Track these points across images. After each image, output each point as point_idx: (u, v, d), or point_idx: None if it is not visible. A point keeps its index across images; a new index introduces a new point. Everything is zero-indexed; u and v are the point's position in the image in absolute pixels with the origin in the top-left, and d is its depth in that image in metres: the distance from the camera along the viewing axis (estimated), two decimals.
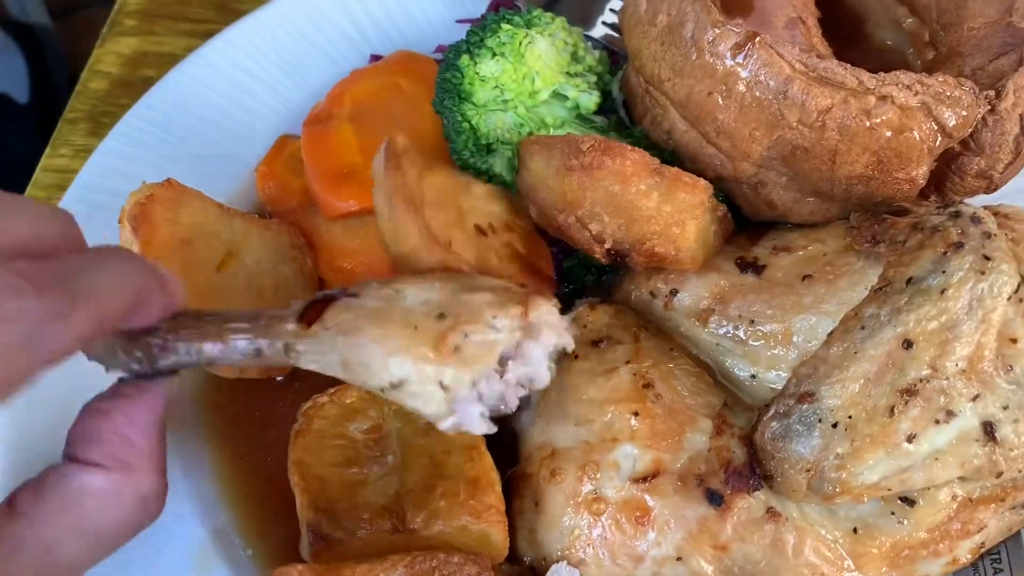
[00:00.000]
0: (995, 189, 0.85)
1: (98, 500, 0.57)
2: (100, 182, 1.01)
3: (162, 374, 0.65)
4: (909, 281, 0.74)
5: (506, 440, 0.86)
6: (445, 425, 0.67)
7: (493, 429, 0.68)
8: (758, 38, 0.78)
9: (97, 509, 0.57)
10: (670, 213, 0.82)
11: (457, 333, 0.66)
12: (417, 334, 0.66)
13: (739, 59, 0.79)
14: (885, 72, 0.79)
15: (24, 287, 0.50)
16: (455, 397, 0.66)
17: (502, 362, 0.67)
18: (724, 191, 0.90)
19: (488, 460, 0.81)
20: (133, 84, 1.20)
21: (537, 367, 0.70)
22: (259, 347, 0.67)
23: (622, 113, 0.99)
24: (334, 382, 0.85)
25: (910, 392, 0.72)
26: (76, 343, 0.53)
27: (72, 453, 0.58)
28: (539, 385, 0.71)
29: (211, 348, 0.66)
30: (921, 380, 0.72)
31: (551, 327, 0.71)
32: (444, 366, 0.65)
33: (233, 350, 0.67)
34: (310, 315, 0.68)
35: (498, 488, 0.79)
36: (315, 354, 0.68)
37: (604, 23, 1.08)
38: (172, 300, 0.62)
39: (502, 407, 0.68)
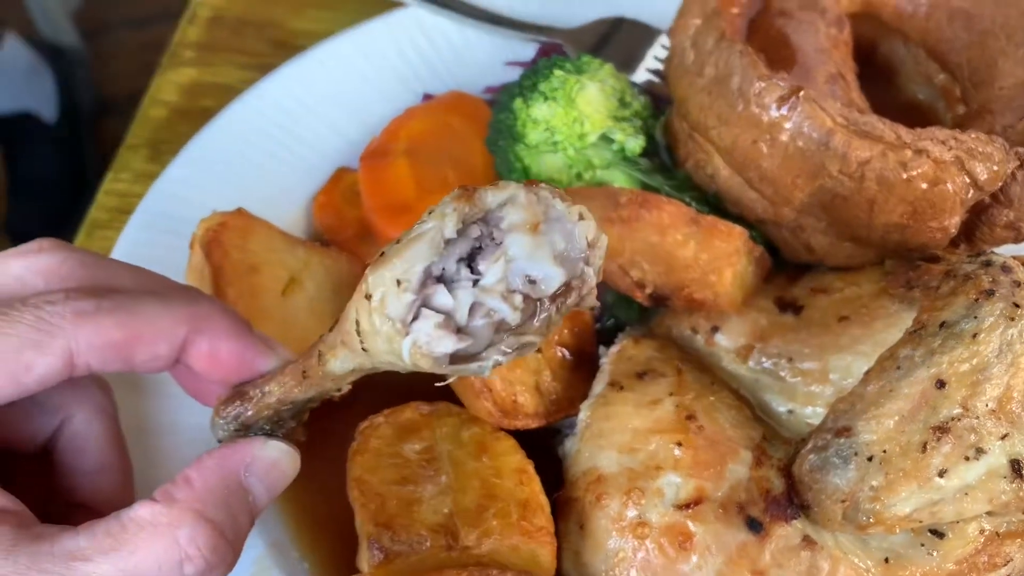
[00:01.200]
0: (1023, 240, 0.90)
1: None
2: (164, 208, 1.06)
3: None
4: (942, 325, 0.78)
5: (550, 465, 0.90)
6: (405, 354, 0.55)
7: (459, 346, 0.54)
8: (802, 92, 0.83)
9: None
10: (707, 261, 0.87)
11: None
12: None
13: (784, 111, 0.84)
14: (917, 125, 0.84)
15: None
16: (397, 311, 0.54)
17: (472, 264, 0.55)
18: (764, 233, 0.95)
19: (537, 483, 0.85)
20: (191, 113, 1.25)
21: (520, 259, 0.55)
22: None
23: (665, 156, 1.04)
24: (388, 403, 0.90)
25: (942, 429, 0.76)
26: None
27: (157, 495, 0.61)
28: (541, 289, 0.56)
29: (287, 414, 0.68)
30: (953, 418, 0.76)
31: (520, 206, 0.55)
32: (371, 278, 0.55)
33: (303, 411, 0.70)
34: None
35: (548, 510, 0.83)
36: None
37: (647, 69, 1.14)
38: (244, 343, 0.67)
39: (497, 316, 0.55)
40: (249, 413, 0.67)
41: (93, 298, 0.61)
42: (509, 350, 0.56)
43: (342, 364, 0.62)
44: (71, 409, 0.71)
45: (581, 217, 0.56)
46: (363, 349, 0.58)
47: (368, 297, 0.55)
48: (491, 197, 0.55)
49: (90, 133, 3.21)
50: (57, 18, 3.21)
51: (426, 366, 0.55)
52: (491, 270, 0.54)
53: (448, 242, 0.54)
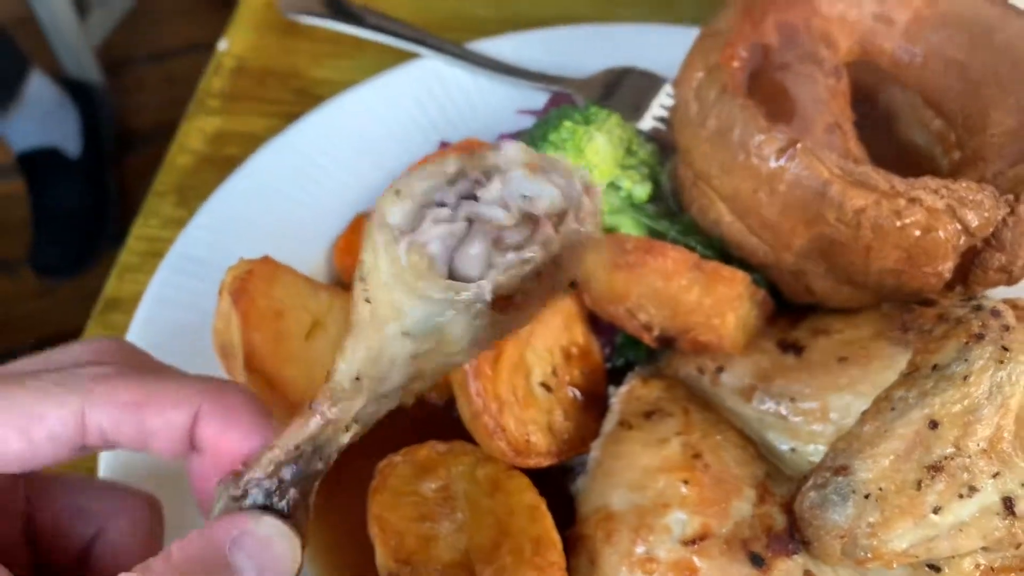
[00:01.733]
0: (1015, 282, 0.93)
1: None
2: (192, 252, 1.11)
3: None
4: (935, 367, 0.82)
5: (562, 502, 0.94)
6: (402, 257, 0.54)
7: (457, 248, 0.55)
8: (800, 144, 0.88)
9: None
10: (711, 305, 0.91)
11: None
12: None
13: (782, 162, 0.88)
14: (914, 168, 0.88)
15: None
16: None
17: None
18: (766, 276, 0.99)
19: (549, 520, 0.88)
20: (216, 161, 1.31)
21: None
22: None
23: (671, 201, 1.09)
24: (406, 441, 0.94)
25: (936, 468, 0.79)
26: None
27: None
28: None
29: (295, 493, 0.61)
30: (946, 457, 0.79)
31: (519, 151, 0.57)
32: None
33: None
34: None
35: (560, 546, 0.87)
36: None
37: (654, 117, 1.18)
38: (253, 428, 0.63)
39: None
40: (246, 477, 0.59)
41: (116, 365, 0.62)
42: (511, 267, 0.54)
43: (350, 358, 0.59)
44: (109, 518, 0.68)
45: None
46: (366, 300, 0.55)
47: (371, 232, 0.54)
48: (491, 153, 0.56)
49: (113, 167, 3.28)
50: (81, 55, 3.30)
51: (423, 268, 0.53)
52: (489, 187, 0.55)
53: (449, 182, 0.55)
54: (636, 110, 1.19)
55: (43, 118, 3.06)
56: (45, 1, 3.07)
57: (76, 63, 3.31)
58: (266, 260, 0.97)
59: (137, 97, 3.60)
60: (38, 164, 3.09)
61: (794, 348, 0.94)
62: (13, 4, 3.32)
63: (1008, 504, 0.79)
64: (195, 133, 1.34)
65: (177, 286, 1.09)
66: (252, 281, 0.95)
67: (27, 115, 2.99)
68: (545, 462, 0.93)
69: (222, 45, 1.45)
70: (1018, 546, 0.80)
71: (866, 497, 0.80)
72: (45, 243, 2.98)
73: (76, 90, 3.24)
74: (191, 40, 3.68)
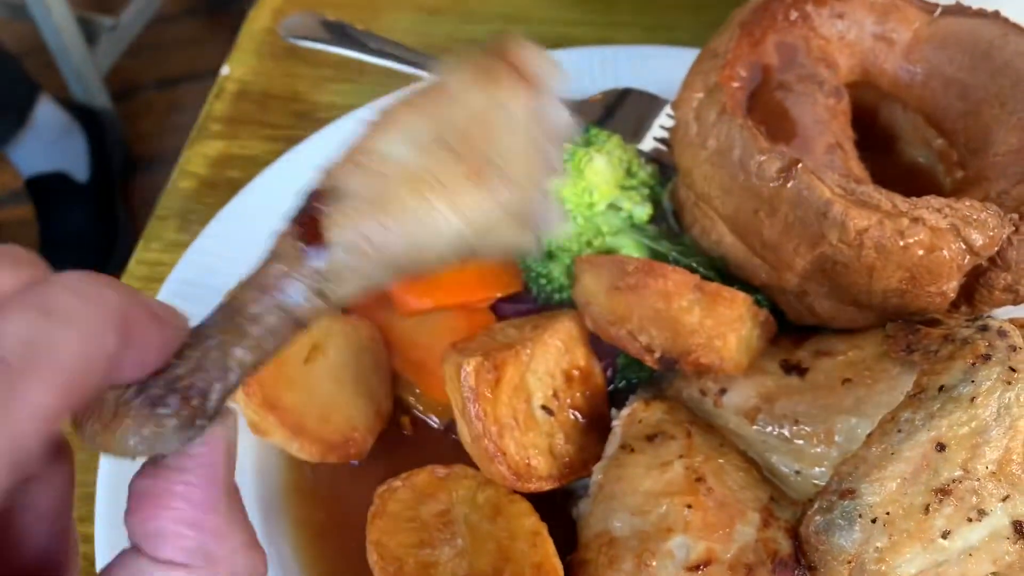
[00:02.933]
0: (1021, 301, 0.92)
1: None
2: (193, 277, 1.11)
3: (208, 418, 0.47)
4: (941, 389, 0.80)
5: (564, 526, 0.93)
6: (529, 238, 0.56)
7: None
8: (800, 164, 0.87)
9: None
10: (712, 326, 0.90)
11: (478, 157, 0.55)
12: (445, 182, 0.54)
13: (783, 182, 0.88)
14: (917, 188, 0.87)
15: None
16: (526, 212, 0.54)
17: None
18: (769, 297, 0.98)
19: (551, 546, 0.87)
20: (218, 185, 1.31)
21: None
22: (293, 316, 0.52)
23: (672, 222, 1.08)
24: (407, 465, 0.93)
25: (944, 492, 0.78)
26: (41, 424, 0.39)
27: (140, 548, 0.45)
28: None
29: (243, 353, 0.49)
30: (954, 480, 0.78)
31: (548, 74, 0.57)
32: (498, 193, 0.54)
33: (266, 338, 0.50)
34: (310, 239, 0.54)
35: (561, 573, 0.85)
36: (352, 280, 0.53)
37: (654, 138, 1.18)
38: (170, 330, 0.47)
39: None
40: (206, 405, 0.47)
41: None
42: None
43: (365, 286, 0.53)
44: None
45: None
46: (452, 253, 0.53)
47: None
48: None
49: (120, 192, 3.30)
50: (89, 80, 3.33)
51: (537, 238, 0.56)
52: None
53: None
54: (636, 131, 1.19)
55: (52, 143, 3.08)
56: (54, 28, 3.10)
57: (84, 89, 3.34)
58: None
59: (144, 123, 3.63)
60: (46, 189, 3.11)
61: (797, 369, 0.93)
62: (23, 30, 3.36)
63: (1019, 528, 0.78)
64: (197, 157, 1.34)
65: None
66: None
67: (36, 140, 3.01)
68: (546, 486, 0.92)
69: (224, 70, 1.46)
70: None
71: (873, 521, 0.79)
72: (53, 267, 2.99)
73: (84, 116, 3.27)
74: (199, 68, 3.71)
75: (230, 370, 0.48)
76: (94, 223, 3.14)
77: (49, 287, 0.43)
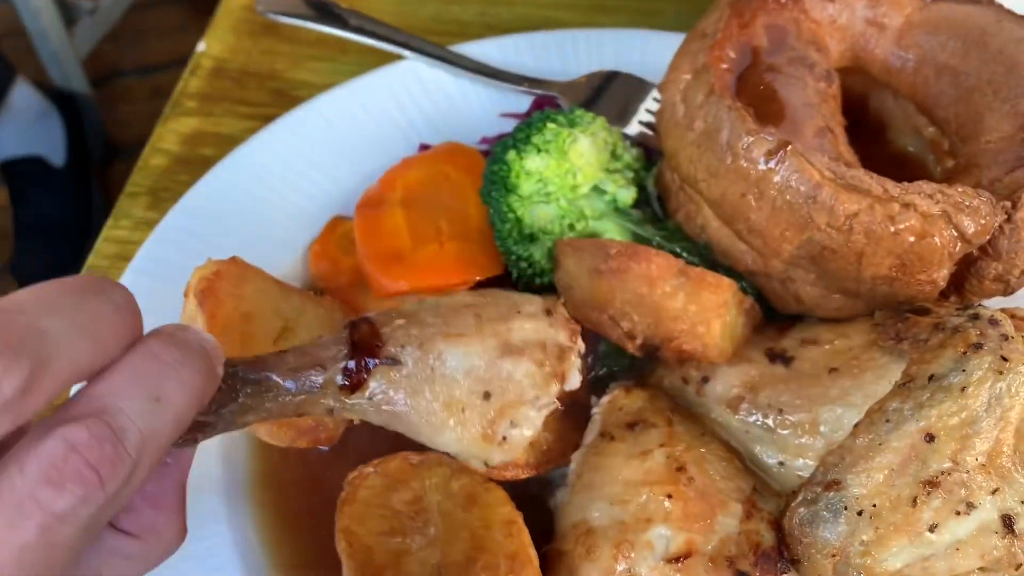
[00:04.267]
0: (1012, 292, 0.90)
1: (126, 561, 0.58)
2: (162, 255, 1.07)
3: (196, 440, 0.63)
4: (931, 378, 0.78)
5: (540, 516, 0.90)
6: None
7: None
8: (790, 146, 0.84)
9: (123, 570, 0.58)
10: (695, 312, 0.87)
11: (503, 422, 0.74)
12: (465, 420, 0.73)
13: (771, 165, 0.85)
14: (906, 177, 0.85)
15: None
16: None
17: None
18: (753, 284, 0.96)
19: (526, 536, 0.84)
20: (192, 162, 1.27)
21: None
22: (300, 409, 0.67)
23: (656, 207, 1.05)
24: (379, 452, 0.90)
25: (932, 484, 0.76)
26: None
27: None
28: None
29: (252, 418, 0.65)
30: (943, 472, 0.76)
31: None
32: (491, 452, 0.75)
33: (273, 412, 0.66)
34: (354, 380, 0.69)
35: (536, 563, 0.83)
36: (358, 414, 0.71)
37: (640, 122, 1.15)
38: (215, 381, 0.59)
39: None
40: (204, 437, 0.63)
41: None
42: None
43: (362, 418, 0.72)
44: None
45: None
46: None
47: None
48: None
49: (98, 177, 3.25)
50: (67, 65, 3.27)
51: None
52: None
53: None
54: (622, 115, 1.16)
55: (28, 127, 3.03)
56: (32, 10, 3.04)
57: (62, 73, 3.28)
58: (234, 261, 0.93)
59: (123, 109, 3.57)
60: (22, 173, 3.05)
61: (782, 358, 0.90)
62: (0, 12, 3.29)
63: (1007, 522, 0.75)
64: (170, 135, 1.30)
65: (145, 290, 1.02)
66: (219, 282, 0.91)
67: (11, 123, 2.96)
68: (523, 474, 0.89)
69: (200, 46, 1.42)
70: (1018, 567, 0.76)
71: (859, 514, 0.76)
72: (28, 252, 2.94)
73: (62, 100, 3.21)
74: (178, 53, 3.64)
75: (234, 425, 0.64)
76: (70, 208, 3.08)
77: (154, 366, 0.53)
